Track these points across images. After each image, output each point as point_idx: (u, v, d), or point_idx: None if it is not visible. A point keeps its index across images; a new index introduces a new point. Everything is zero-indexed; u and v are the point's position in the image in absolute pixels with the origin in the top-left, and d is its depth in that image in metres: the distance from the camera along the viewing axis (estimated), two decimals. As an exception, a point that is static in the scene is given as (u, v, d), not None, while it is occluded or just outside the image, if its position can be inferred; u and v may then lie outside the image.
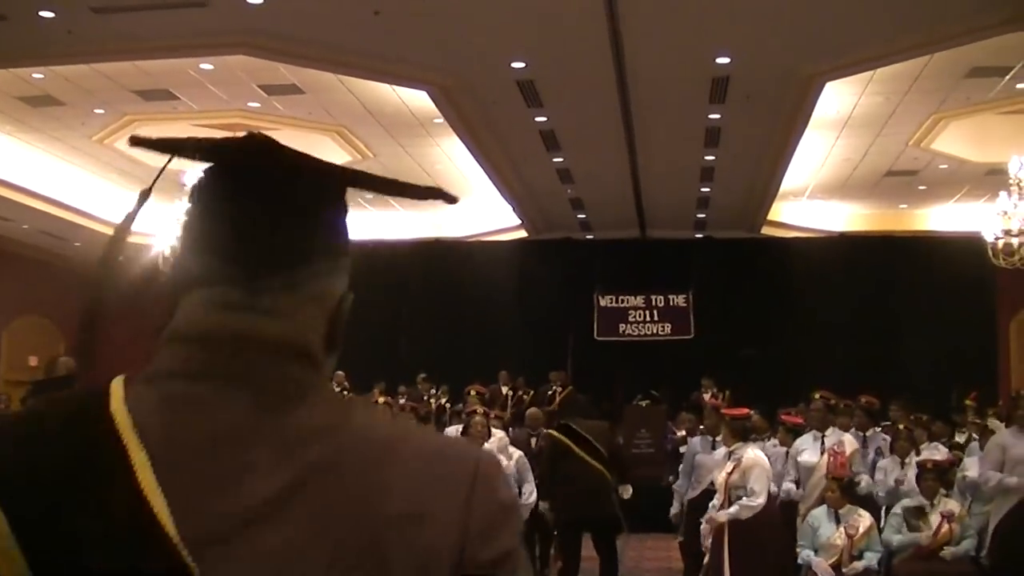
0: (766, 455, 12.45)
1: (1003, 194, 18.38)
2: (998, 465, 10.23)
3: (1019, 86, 17.36)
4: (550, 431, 12.60)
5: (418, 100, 17.37)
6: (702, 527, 10.88)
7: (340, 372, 20.07)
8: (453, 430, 12.52)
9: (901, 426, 13.00)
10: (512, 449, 11.61)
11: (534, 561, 12.75)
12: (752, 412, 13.35)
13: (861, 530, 10.29)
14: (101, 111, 18.14)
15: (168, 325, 1.63)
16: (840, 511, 10.43)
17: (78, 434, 1.53)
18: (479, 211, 25.49)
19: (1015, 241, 18.48)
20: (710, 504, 10.84)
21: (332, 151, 20.56)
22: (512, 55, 15.36)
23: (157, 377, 1.59)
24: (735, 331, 24.45)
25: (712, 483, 11.03)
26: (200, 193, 1.67)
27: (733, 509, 10.27)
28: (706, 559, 10.88)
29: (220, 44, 15.01)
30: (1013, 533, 9.99)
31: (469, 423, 11.30)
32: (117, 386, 1.58)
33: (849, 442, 11.82)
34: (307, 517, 1.50)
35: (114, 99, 17.52)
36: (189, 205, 1.67)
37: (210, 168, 1.70)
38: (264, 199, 1.64)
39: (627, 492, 12.34)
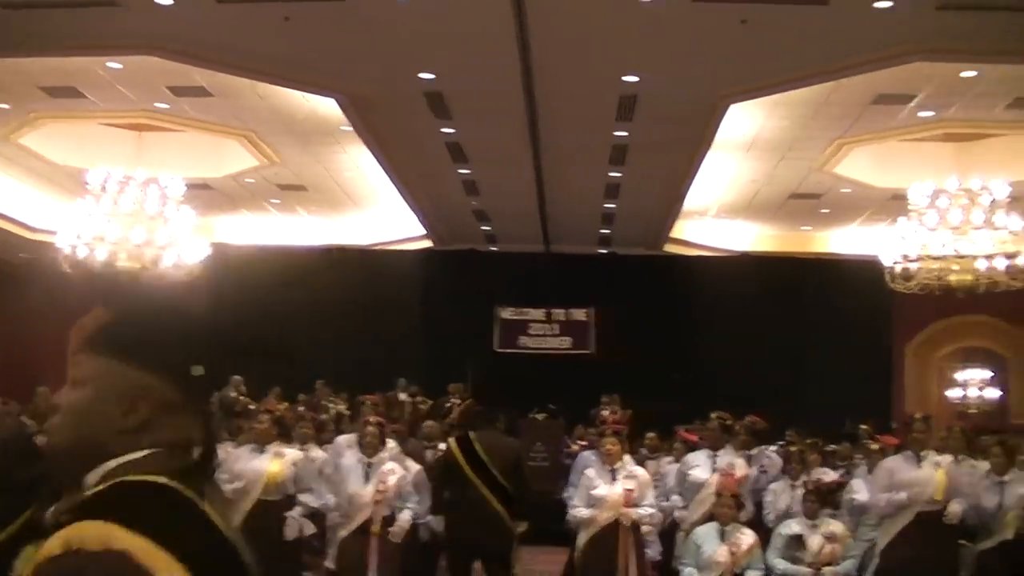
0: (660, 471, 12.66)
1: (903, 219, 18.65)
2: (887, 489, 10.43)
3: (922, 114, 17.64)
4: (450, 439, 12.24)
5: (327, 108, 17.35)
6: (581, 534, 10.96)
7: (237, 377, 19.95)
8: (346, 439, 12.46)
9: (794, 448, 13.14)
10: (410, 463, 11.55)
11: None
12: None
13: (744, 547, 10.41)
14: (6, 107, 17.94)
15: None
16: (726, 528, 10.56)
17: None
18: (385, 220, 25.49)
19: (913, 266, 18.74)
20: (578, 515, 10.89)
21: (240, 156, 20.49)
22: (421, 67, 15.42)
23: None
24: (636, 347, 24.56)
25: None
26: None
27: (646, 512, 10.51)
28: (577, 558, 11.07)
29: (130, 45, 14.89)
30: (899, 555, 10.23)
31: (363, 433, 11.27)
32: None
33: (741, 465, 11.93)
34: None
35: (20, 95, 17.31)
36: None
37: None
38: None
39: (521, 527, 12.04)
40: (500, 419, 12.41)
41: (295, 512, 10.67)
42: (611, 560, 10.38)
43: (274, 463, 10.72)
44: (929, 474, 10.23)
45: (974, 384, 28.81)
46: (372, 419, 11.35)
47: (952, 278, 18.57)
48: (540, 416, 20.19)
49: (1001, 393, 28.93)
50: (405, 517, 10.85)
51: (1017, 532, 10.45)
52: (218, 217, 25.01)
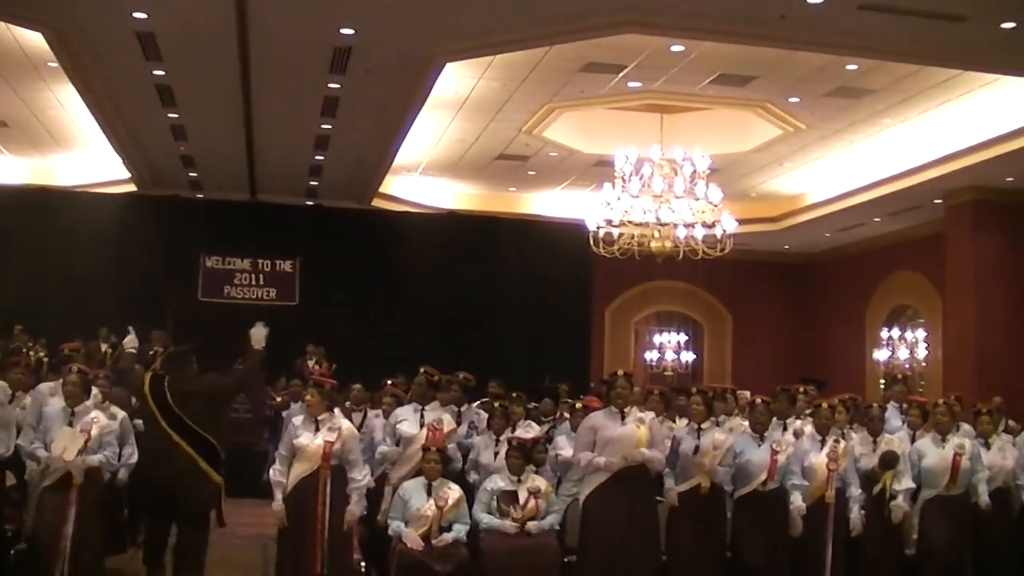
0: (368, 425, 12.70)
1: (608, 185, 19.03)
2: (590, 446, 10.65)
3: (630, 84, 18.07)
4: (145, 375, 11.43)
5: (33, 42, 16.80)
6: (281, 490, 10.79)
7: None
8: (49, 387, 12.14)
9: (496, 404, 13.29)
10: (116, 410, 11.24)
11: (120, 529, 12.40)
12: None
13: (450, 502, 10.56)
14: None
15: None
16: (433, 483, 10.68)
17: None
18: (88, 161, 24.87)
19: (615, 231, 19.17)
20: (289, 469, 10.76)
21: (-65, 89, 19.70)
22: (134, 5, 15.02)
23: None
24: (341, 300, 24.57)
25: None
26: None
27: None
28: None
29: None
30: (599, 512, 10.48)
31: (64, 382, 10.95)
32: None
33: (448, 421, 12.02)
34: None
35: None
36: None
37: None
38: None
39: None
40: (191, 359, 11.61)
41: None
42: (310, 511, 10.34)
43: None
44: (632, 430, 10.49)
45: (670, 347, 29.83)
46: (74, 368, 11.06)
47: (653, 244, 19.10)
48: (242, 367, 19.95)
49: (695, 357, 30.01)
50: (96, 459, 10.43)
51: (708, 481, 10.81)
52: (-89, 153, 24.05)
